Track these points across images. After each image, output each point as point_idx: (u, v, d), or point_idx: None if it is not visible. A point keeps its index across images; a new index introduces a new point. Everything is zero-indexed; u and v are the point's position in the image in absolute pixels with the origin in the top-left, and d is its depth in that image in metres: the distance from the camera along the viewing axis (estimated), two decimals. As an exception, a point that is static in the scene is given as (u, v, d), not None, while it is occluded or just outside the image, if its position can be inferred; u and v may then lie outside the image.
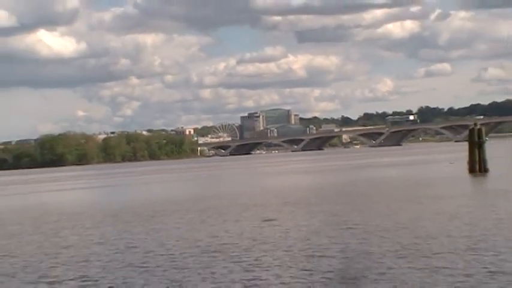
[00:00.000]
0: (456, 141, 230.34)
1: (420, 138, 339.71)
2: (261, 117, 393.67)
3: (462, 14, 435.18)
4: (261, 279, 19.82)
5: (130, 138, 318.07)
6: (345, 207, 40.26)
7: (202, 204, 49.09)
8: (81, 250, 28.34)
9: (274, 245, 26.46)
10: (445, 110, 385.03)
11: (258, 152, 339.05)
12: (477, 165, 64.30)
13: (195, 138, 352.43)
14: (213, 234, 30.72)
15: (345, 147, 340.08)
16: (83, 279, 21.53)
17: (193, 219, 38.67)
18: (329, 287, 18.23)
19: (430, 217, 33.04)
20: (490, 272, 18.93)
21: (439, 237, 26.03)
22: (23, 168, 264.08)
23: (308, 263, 22.10)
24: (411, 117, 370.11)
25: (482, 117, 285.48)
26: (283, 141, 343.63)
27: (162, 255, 25.59)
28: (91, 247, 29.20)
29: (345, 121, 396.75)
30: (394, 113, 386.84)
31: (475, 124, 70.86)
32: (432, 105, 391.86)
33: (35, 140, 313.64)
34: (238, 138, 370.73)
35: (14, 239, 34.18)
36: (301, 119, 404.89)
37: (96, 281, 21.23)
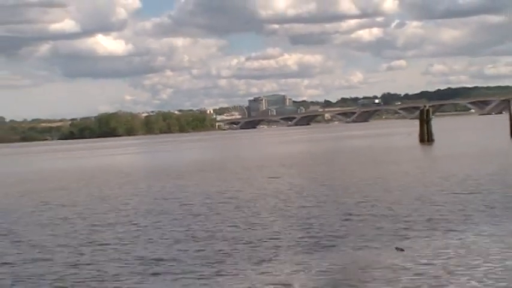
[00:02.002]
0: (410, 119, 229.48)
1: (383, 117, 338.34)
2: (263, 100, 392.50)
3: (414, 23, 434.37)
4: (259, 224, 19.59)
5: (165, 116, 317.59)
6: (326, 169, 40.12)
7: (218, 165, 48.93)
8: (125, 201, 28.12)
9: (272, 197, 26.18)
10: (402, 95, 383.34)
11: (261, 126, 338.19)
12: (426, 137, 64.91)
13: (214, 116, 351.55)
14: (225, 189, 30.52)
15: (326, 123, 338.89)
16: (126, 224, 21.32)
17: (210, 177, 38.47)
18: (310, 229, 17.98)
19: (388, 175, 32.87)
20: (428, 218, 18.67)
21: (393, 191, 25.87)
22: (85, 138, 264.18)
23: (297, 209, 21.89)
24: (376, 101, 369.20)
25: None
26: (281, 119, 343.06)
27: (183, 204, 25.35)
28: (132, 198, 29.02)
29: (327, 103, 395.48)
30: (364, 98, 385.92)
31: (424, 106, 71.86)
32: (392, 92, 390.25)
33: (94, 117, 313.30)
34: (246, 116, 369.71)
35: (75, 192, 34.04)
36: (293, 102, 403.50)
37: (135, 223, 21.06)
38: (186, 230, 18.98)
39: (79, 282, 13.41)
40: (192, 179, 37.77)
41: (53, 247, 17.55)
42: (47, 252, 16.91)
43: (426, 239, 15.77)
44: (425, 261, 13.48)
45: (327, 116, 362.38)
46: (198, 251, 15.83)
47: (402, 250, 14.46)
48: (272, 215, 20.97)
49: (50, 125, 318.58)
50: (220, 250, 15.75)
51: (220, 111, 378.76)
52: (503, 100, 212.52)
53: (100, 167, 59.04)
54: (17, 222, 23.13)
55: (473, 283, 11.72)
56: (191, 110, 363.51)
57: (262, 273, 13.25)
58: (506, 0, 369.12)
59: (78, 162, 71.61)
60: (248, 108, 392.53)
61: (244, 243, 16.41)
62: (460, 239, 15.60)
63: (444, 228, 17.05)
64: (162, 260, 15.01)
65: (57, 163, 73.71)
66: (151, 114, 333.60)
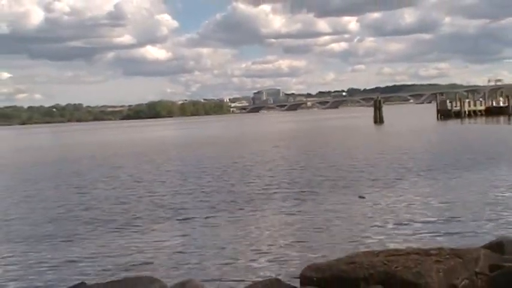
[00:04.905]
0: (367, 107, 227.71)
1: (348, 105, 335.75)
2: (264, 93, 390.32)
3: (370, 39, 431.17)
4: (255, 181, 18.91)
5: (195, 103, 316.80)
6: (309, 142, 39.39)
7: (231, 139, 48.25)
8: (160, 164, 27.38)
9: (269, 162, 25.37)
10: (362, 89, 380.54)
11: (262, 111, 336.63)
12: (378, 119, 64.60)
13: (229, 104, 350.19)
14: (234, 156, 29.73)
15: (308, 109, 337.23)
16: (158, 182, 20.64)
17: (222, 147, 37.71)
18: (294, 184, 17.31)
19: (350, 146, 32.12)
20: (380, 177, 17.85)
21: (355, 157, 25.11)
22: (138, 119, 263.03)
23: (285, 171, 21.19)
24: (344, 93, 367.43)
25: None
26: (276, 106, 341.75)
27: (197, 168, 24.34)
28: (165, 162, 28.26)
29: (309, 95, 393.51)
30: (335, 91, 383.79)
31: (377, 97, 72.08)
32: (355, 87, 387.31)
33: (145, 104, 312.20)
34: (252, 103, 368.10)
35: (125, 157, 33.33)
36: (285, 94, 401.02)
37: (164, 181, 20.28)
38: (200, 186, 18.12)
39: (122, 224, 12.73)
40: (206, 149, 36.95)
41: (104, 197, 16.90)
42: (100, 201, 16.26)
43: (380, 190, 15.25)
44: (379, 205, 13.19)
45: (308, 104, 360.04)
46: (206, 201, 15.10)
47: (363, 198, 14.10)
48: (267, 175, 20.15)
49: (114, 109, 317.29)
50: (223, 200, 15.03)
51: (233, 100, 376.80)
52: (432, 94, 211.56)
53: (146, 138, 58.38)
54: (84, 179, 22.44)
55: (404, 215, 11.26)
56: (213, 99, 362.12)
57: (254, 216, 12.58)
58: (434, 24, 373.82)
59: (133, 135, 70.90)
60: (253, 98, 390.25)
61: (241, 194, 15.69)
62: (403, 189, 15.31)
63: (391, 183, 16.44)
64: (179, 207, 14.29)
65: (116, 136, 72.99)
66: (185, 102, 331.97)
